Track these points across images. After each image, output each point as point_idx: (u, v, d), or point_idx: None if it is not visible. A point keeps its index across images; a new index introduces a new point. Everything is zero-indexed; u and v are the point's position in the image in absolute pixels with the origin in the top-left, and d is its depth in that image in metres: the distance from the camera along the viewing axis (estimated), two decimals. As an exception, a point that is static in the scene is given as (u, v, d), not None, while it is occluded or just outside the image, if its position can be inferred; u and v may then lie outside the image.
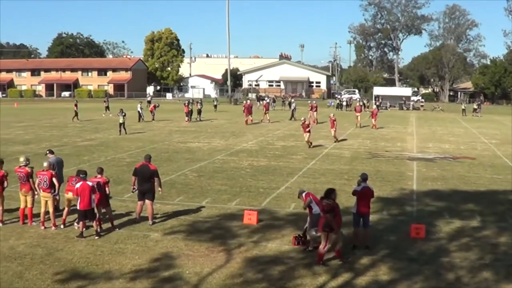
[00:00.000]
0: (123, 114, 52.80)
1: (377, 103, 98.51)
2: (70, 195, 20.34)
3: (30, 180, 20.85)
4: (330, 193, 17.34)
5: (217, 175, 31.47)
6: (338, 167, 34.62)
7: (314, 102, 78.86)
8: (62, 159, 24.72)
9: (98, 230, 19.64)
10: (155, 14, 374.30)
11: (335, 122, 47.61)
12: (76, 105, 70.24)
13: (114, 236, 19.47)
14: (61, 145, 43.82)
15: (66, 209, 20.65)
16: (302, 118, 43.66)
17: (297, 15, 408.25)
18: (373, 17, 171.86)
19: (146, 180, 21.10)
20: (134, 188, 21.50)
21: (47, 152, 24.29)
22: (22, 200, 21.04)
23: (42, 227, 20.41)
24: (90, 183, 19.62)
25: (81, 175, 19.83)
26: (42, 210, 20.61)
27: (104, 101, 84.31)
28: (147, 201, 21.07)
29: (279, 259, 17.32)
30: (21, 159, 21.64)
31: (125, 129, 52.42)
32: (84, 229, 19.59)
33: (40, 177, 20.59)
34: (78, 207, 19.46)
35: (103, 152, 40.12)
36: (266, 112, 70.72)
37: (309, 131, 43.25)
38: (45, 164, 21.12)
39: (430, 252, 18.23)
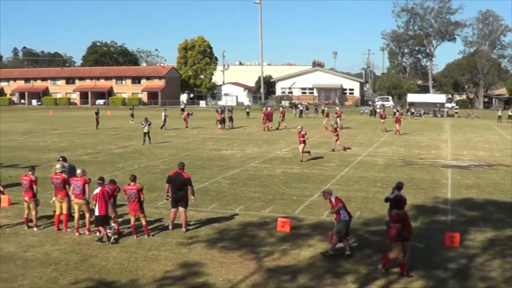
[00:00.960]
0: (148, 123, 51.45)
1: (412, 110, 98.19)
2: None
3: (67, 186, 21.07)
4: (400, 203, 17.15)
5: (251, 183, 31.50)
6: (371, 175, 34.48)
7: (337, 108, 79.35)
8: (75, 166, 24.73)
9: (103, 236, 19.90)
10: (188, 22, 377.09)
11: (337, 129, 46.86)
12: (96, 113, 70.20)
13: (148, 243, 19.57)
14: (96, 152, 44.16)
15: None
16: (299, 127, 42.55)
17: (330, 22, 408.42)
18: (406, 23, 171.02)
19: (179, 188, 21.16)
20: (167, 196, 21.59)
21: (60, 158, 24.47)
22: (57, 206, 21.25)
23: (77, 233, 20.61)
24: (107, 189, 19.93)
25: (98, 181, 20.08)
26: (76, 216, 20.83)
27: (130, 109, 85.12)
28: (180, 209, 21.14)
29: (312, 267, 17.30)
30: (57, 166, 21.88)
31: (149, 138, 51.03)
32: (87, 233, 19.85)
33: (74, 183, 20.79)
34: (97, 213, 19.73)
35: (137, 160, 40.34)
36: (283, 118, 71.40)
37: (304, 142, 40.65)
38: (78, 171, 21.29)
39: (463, 261, 18.08)
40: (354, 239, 19.98)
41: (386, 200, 18.90)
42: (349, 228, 18.66)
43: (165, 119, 67.77)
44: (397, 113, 70.63)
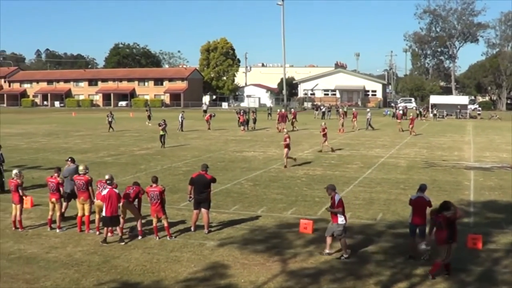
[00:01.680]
0: (165, 126, 49.96)
1: (434, 112, 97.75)
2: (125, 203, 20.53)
3: (90, 188, 21.17)
4: (449, 206, 16.90)
5: (273, 184, 31.48)
6: (394, 177, 34.32)
7: (354, 109, 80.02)
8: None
9: (123, 236, 20.11)
10: (211, 24, 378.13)
11: (325, 130, 46.93)
12: (108, 116, 68.79)
13: (170, 245, 19.58)
14: (118, 154, 44.29)
15: (122, 217, 20.79)
16: (285, 130, 41.45)
17: (352, 24, 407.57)
18: (428, 25, 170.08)
19: (202, 190, 21.15)
20: (190, 197, 21.57)
21: (68, 159, 24.56)
22: (79, 208, 21.32)
23: (97, 233, 20.76)
24: (116, 190, 19.95)
25: (107, 182, 20.15)
26: (97, 217, 20.97)
27: (146, 110, 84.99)
28: (203, 210, 21.12)
29: (334, 269, 17.22)
30: (81, 167, 21.94)
31: (163, 142, 49.39)
32: (109, 235, 19.99)
33: (100, 185, 20.97)
34: (104, 213, 19.79)
35: (160, 161, 40.42)
36: (294, 119, 72.37)
37: (287, 146, 38.46)
38: (107, 176, 21.30)
39: (487, 264, 17.94)
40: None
41: (409, 202, 18.76)
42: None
43: (182, 121, 67.84)
44: (411, 114, 71.05)
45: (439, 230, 16.57)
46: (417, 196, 18.62)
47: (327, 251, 18.59)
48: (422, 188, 18.84)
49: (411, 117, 66.94)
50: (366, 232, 21.28)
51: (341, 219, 18.20)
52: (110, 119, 67.82)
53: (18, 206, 21.51)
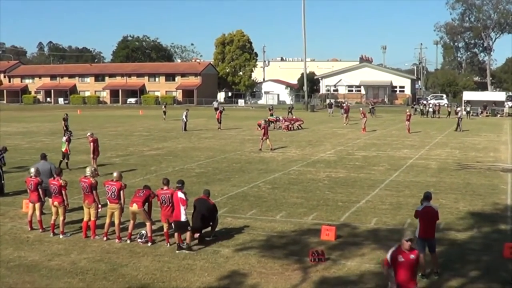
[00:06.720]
0: (70, 135, 39.95)
1: (468, 109, 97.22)
2: (135, 207, 20.52)
3: (94, 191, 21.18)
4: None
5: (293, 187, 31.42)
6: (424, 179, 34.16)
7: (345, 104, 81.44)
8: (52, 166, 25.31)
9: (181, 244, 20.00)
10: (226, 16, 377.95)
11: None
12: (64, 120, 60.10)
13: (182, 252, 19.60)
14: (127, 155, 44.39)
15: (132, 222, 20.81)
16: (262, 121, 40.63)
17: (378, 14, 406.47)
18: (461, 15, 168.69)
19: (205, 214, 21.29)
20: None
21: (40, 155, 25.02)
22: (85, 212, 21.38)
23: (104, 238, 20.88)
24: (181, 194, 20.08)
25: (177, 185, 20.52)
26: (107, 221, 21.02)
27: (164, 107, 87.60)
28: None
29: (359, 279, 17.17)
30: (88, 169, 21.99)
31: (67, 163, 37.84)
32: (185, 241, 20.02)
33: (108, 187, 20.95)
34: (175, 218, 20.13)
35: (171, 162, 40.48)
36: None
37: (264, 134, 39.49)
38: (115, 174, 21.41)
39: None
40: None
41: (415, 214, 18.08)
42: None
43: (185, 121, 67.58)
44: (407, 110, 71.09)
45: None
46: (424, 206, 17.81)
47: None
48: (428, 197, 18.03)
49: (407, 112, 66.91)
50: (394, 239, 21.19)
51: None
52: (66, 123, 59.71)
53: (38, 205, 22.13)
